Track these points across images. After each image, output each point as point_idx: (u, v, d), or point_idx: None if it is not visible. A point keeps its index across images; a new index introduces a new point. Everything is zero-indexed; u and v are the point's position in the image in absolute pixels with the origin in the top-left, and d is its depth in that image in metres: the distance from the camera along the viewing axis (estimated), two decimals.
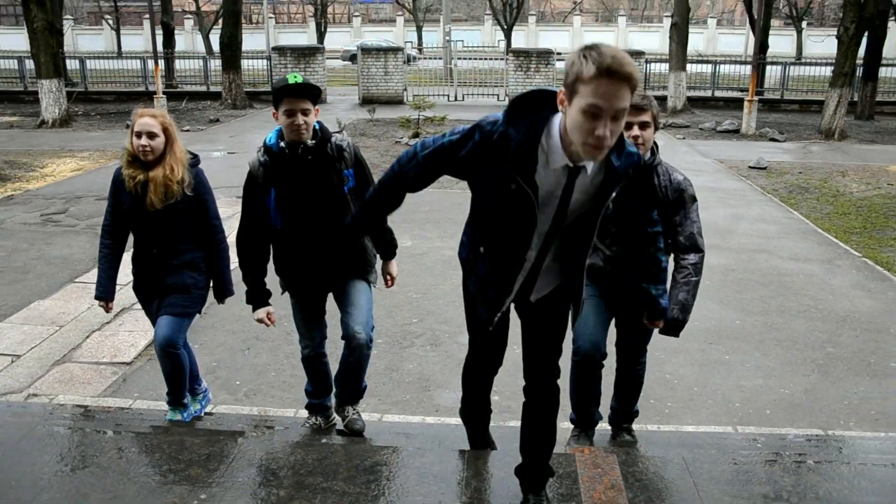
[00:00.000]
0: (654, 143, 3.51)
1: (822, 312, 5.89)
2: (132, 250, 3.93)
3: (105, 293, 3.92)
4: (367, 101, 20.23)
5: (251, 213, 3.56)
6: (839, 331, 5.53)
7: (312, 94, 3.43)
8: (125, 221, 3.89)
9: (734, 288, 6.44)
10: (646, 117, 3.37)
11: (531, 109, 2.49)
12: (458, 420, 3.93)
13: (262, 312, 3.63)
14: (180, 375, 3.90)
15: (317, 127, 3.51)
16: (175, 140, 3.85)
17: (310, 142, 3.46)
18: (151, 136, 3.75)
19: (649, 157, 3.46)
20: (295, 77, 3.41)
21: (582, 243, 2.67)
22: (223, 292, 3.94)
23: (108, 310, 4.02)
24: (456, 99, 21.98)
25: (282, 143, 3.46)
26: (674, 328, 3.51)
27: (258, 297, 3.63)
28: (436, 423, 3.90)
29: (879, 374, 4.82)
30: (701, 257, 3.57)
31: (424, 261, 6.93)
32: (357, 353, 3.58)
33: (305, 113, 3.39)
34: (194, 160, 3.89)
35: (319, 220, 3.51)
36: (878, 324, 5.68)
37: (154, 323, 3.95)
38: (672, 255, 3.53)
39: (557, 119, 2.43)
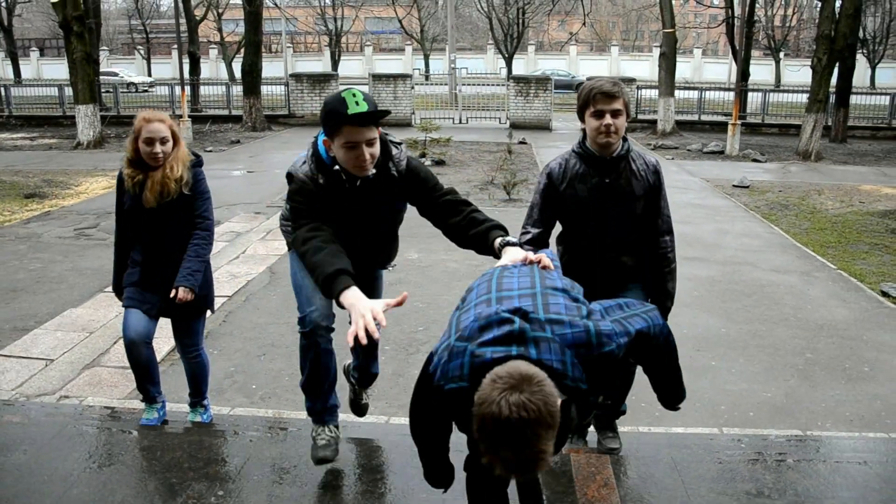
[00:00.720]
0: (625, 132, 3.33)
1: (801, 321, 5.85)
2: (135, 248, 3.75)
3: (116, 287, 3.79)
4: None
5: (314, 216, 2.70)
6: (817, 338, 5.49)
7: (379, 119, 2.66)
8: (127, 219, 3.68)
9: (720, 298, 6.40)
10: (617, 105, 3.19)
11: None
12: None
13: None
14: (204, 375, 3.87)
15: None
16: (180, 141, 3.65)
17: (371, 171, 2.74)
18: (164, 141, 3.55)
19: (623, 144, 3.29)
20: (356, 100, 2.56)
21: None
22: (183, 279, 3.52)
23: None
24: (460, 122, 22.00)
25: (337, 167, 2.72)
26: (664, 315, 3.30)
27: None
28: None
29: (854, 379, 4.77)
30: (674, 239, 3.45)
31: (430, 272, 6.90)
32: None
33: (371, 144, 2.64)
34: (197, 160, 3.70)
35: (360, 247, 2.94)
36: (852, 331, 5.64)
37: (150, 315, 3.68)
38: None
39: None
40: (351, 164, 2.66)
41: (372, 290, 3.17)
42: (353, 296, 2.40)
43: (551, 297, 2.16)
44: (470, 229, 2.78)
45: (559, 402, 1.78)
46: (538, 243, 3.35)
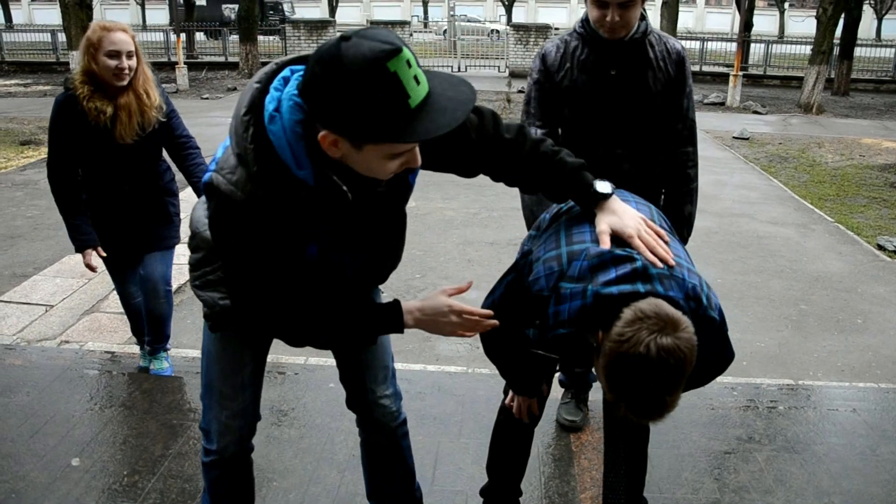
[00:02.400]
0: (643, 7, 2.58)
1: (796, 273, 5.88)
2: (87, 194, 3.27)
3: (91, 239, 3.28)
4: None
5: (285, 272, 1.68)
6: (812, 290, 5.53)
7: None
8: (79, 158, 3.14)
9: (716, 249, 6.43)
10: None
11: None
12: (455, 368, 3.96)
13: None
14: (169, 315, 3.62)
15: None
16: (142, 57, 3.12)
17: None
18: (130, 55, 3.01)
19: (639, 25, 2.58)
20: (414, 73, 1.40)
21: None
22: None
23: (93, 266, 3.34)
24: (459, 70, 21.78)
25: (335, 178, 1.60)
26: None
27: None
28: (435, 371, 3.91)
29: (846, 330, 4.83)
30: (697, 151, 2.80)
31: (427, 220, 6.91)
32: (387, 437, 2.25)
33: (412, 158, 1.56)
34: (156, 76, 3.24)
35: (367, 252, 1.93)
36: (846, 284, 5.68)
37: (125, 267, 3.47)
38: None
39: None
40: (387, 174, 1.57)
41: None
42: (414, 309, 1.82)
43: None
44: (550, 173, 1.95)
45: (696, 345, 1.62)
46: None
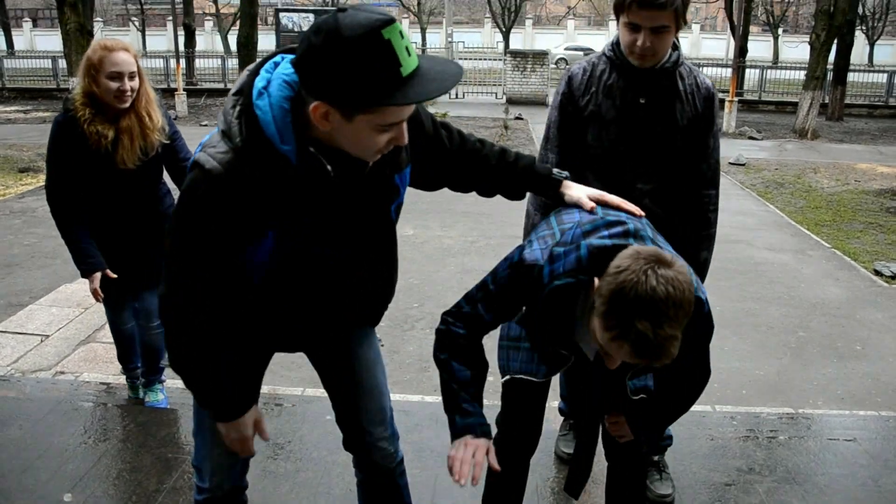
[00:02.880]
0: (676, 38, 2.44)
1: (794, 299, 5.87)
2: (87, 216, 3.14)
3: (98, 262, 3.11)
4: None
5: (207, 284, 1.63)
6: (810, 316, 5.51)
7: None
8: (78, 183, 3.00)
9: (713, 276, 6.35)
10: (663, 18, 2.28)
11: None
12: None
13: (248, 418, 1.88)
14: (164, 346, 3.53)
15: None
16: (145, 77, 3.00)
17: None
18: (132, 76, 2.90)
19: (669, 54, 2.45)
20: (405, 45, 1.44)
21: None
22: None
23: (97, 293, 3.15)
24: (457, 97, 21.88)
25: (312, 149, 1.55)
26: None
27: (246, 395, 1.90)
28: (434, 402, 3.87)
29: (845, 357, 4.80)
30: (718, 195, 2.67)
31: (425, 249, 6.90)
32: (385, 478, 2.17)
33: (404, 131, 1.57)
34: (159, 96, 3.13)
35: (344, 269, 1.81)
36: (845, 310, 5.66)
37: (129, 297, 3.35)
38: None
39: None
40: (375, 152, 1.57)
41: (363, 383, 2.08)
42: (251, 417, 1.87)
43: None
44: (507, 168, 2.05)
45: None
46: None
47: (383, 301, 2.05)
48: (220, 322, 1.70)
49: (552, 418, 3.51)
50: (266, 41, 29.34)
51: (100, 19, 42.52)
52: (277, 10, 32.00)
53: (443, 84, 1.47)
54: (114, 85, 2.85)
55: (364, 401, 2.07)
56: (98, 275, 3.14)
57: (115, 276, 3.18)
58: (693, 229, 2.67)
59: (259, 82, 1.55)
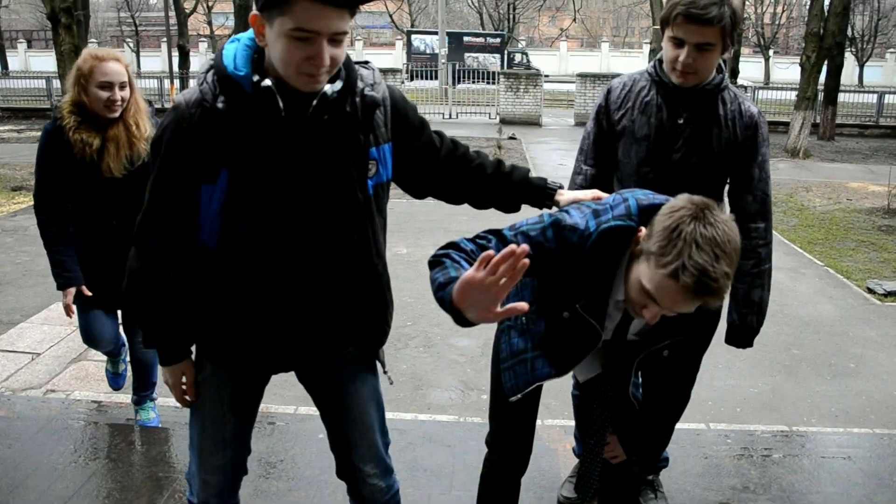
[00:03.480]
0: (722, 59, 2.35)
1: (788, 317, 5.87)
2: (74, 227, 3.09)
3: (75, 277, 3.07)
4: None
5: (164, 211, 1.72)
6: (803, 334, 5.51)
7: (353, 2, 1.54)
8: (65, 192, 2.97)
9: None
10: (709, 35, 2.19)
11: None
12: (447, 416, 3.91)
13: (177, 371, 1.94)
14: (156, 362, 3.30)
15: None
16: (136, 87, 2.96)
17: (329, 89, 1.62)
18: (123, 86, 2.86)
19: (712, 76, 2.36)
20: None
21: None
22: None
23: (69, 308, 3.13)
24: (451, 117, 21.98)
25: (268, 82, 1.58)
26: (747, 337, 2.67)
27: (180, 347, 1.91)
28: (427, 420, 3.86)
29: (839, 374, 4.80)
30: (770, 228, 2.52)
31: (418, 267, 6.89)
32: None
33: (337, 42, 1.54)
34: (152, 108, 3.08)
35: (309, 243, 1.73)
36: (838, 328, 5.67)
37: (111, 311, 3.27)
38: None
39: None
40: (295, 70, 1.54)
41: (354, 419, 2.00)
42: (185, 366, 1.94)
43: None
44: (502, 178, 2.02)
45: None
46: (595, 188, 2.40)
47: (373, 310, 1.94)
48: (177, 261, 1.77)
49: (544, 436, 3.50)
50: None
51: (94, 40, 42.63)
52: (409, 32, 32.33)
53: None
54: (104, 94, 2.83)
55: (355, 438, 2.01)
56: (73, 290, 3.10)
57: (90, 293, 3.14)
58: (742, 266, 2.48)
59: (231, 40, 1.69)
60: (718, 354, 5.04)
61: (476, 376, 4.40)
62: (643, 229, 1.69)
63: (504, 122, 20.09)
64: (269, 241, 1.72)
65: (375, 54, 48.13)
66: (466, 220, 8.67)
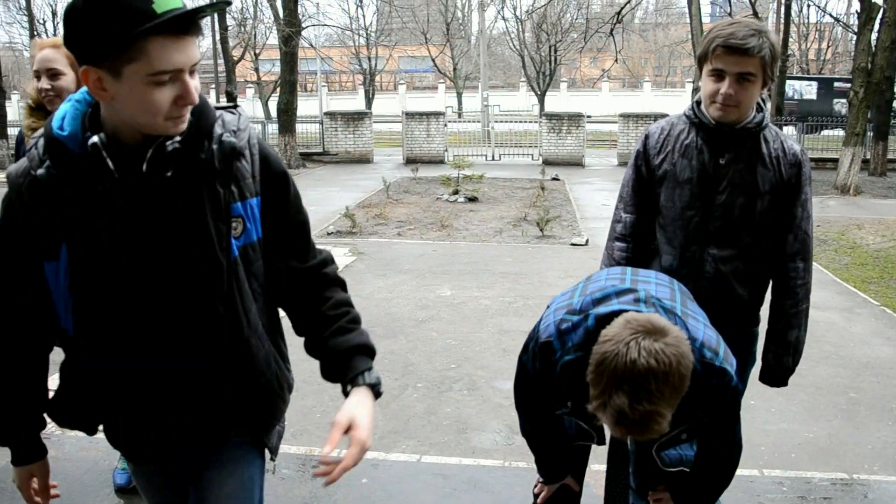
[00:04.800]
0: (761, 98, 2.36)
1: (843, 359, 5.69)
2: None
3: None
4: (411, 161, 20.41)
5: (5, 294, 1.54)
6: (860, 377, 5.33)
7: (200, 26, 1.39)
8: None
9: (759, 335, 6.26)
10: (749, 66, 2.20)
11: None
12: (492, 461, 3.85)
13: (24, 473, 1.71)
14: None
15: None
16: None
17: (170, 142, 1.42)
18: (54, 75, 2.60)
19: (753, 115, 2.35)
20: None
21: None
22: None
23: None
24: (493, 158, 22.09)
25: (95, 139, 1.40)
26: (782, 377, 2.69)
27: (26, 448, 1.69)
28: (471, 465, 3.80)
29: None
30: (810, 269, 2.49)
31: (462, 309, 6.87)
32: None
33: (194, 69, 1.40)
34: None
35: (169, 320, 1.52)
36: None
37: None
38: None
39: None
40: (164, 117, 1.37)
41: None
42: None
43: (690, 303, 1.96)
44: (330, 335, 1.69)
45: (691, 367, 1.54)
46: (634, 237, 2.54)
47: (252, 392, 1.65)
48: (28, 350, 1.59)
49: (591, 482, 3.41)
50: (305, 107, 30.15)
51: None
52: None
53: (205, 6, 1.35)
54: (37, 84, 2.65)
55: None
56: None
57: None
58: (780, 306, 2.52)
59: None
60: (772, 398, 4.91)
61: None
62: None
63: (546, 162, 20.12)
64: (124, 321, 1.50)
65: (417, 97, 48.88)
66: (511, 262, 8.65)
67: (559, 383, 1.84)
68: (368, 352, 1.70)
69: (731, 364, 1.82)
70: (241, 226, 1.53)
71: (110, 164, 1.40)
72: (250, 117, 1.64)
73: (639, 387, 1.49)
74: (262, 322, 1.63)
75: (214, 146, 1.48)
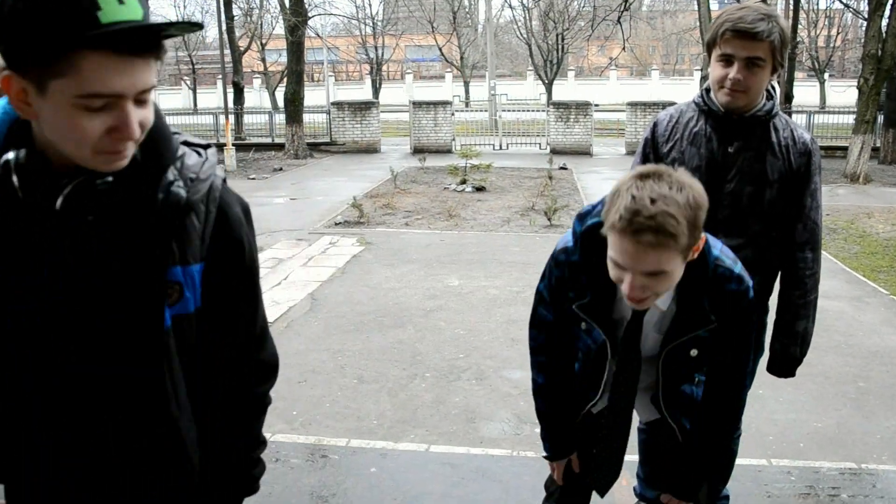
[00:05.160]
0: (771, 86, 2.34)
1: (852, 348, 5.68)
2: None
3: None
4: (418, 151, 20.40)
5: None
6: (870, 366, 5.32)
7: (159, 46, 1.14)
8: None
9: (767, 325, 6.25)
10: (759, 50, 2.18)
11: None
12: (501, 451, 3.86)
13: None
14: None
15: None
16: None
17: (108, 178, 1.17)
18: None
19: (763, 103, 2.34)
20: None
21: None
22: None
23: None
24: (501, 148, 22.05)
25: (10, 156, 1.16)
26: (789, 367, 2.70)
27: None
28: (480, 454, 3.81)
29: None
30: (819, 259, 2.46)
31: (470, 299, 6.87)
32: None
33: (143, 101, 1.15)
34: None
35: (85, 391, 1.25)
36: None
37: None
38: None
39: None
40: (92, 150, 1.12)
41: None
42: None
43: None
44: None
45: (704, 207, 1.60)
46: None
47: (174, 473, 1.37)
48: None
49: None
50: (312, 97, 30.13)
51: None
52: None
53: (155, 28, 1.09)
54: None
55: None
56: None
57: None
58: (788, 296, 2.50)
59: None
60: (780, 387, 4.90)
61: (529, 409, 4.32)
62: None
63: (554, 151, 20.08)
64: (34, 386, 1.25)
65: (424, 86, 48.78)
66: (518, 252, 8.65)
67: (579, 268, 1.89)
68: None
69: (748, 278, 1.86)
70: (177, 293, 1.27)
71: (18, 191, 1.14)
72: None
73: (657, 191, 1.56)
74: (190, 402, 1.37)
75: (161, 195, 1.20)
